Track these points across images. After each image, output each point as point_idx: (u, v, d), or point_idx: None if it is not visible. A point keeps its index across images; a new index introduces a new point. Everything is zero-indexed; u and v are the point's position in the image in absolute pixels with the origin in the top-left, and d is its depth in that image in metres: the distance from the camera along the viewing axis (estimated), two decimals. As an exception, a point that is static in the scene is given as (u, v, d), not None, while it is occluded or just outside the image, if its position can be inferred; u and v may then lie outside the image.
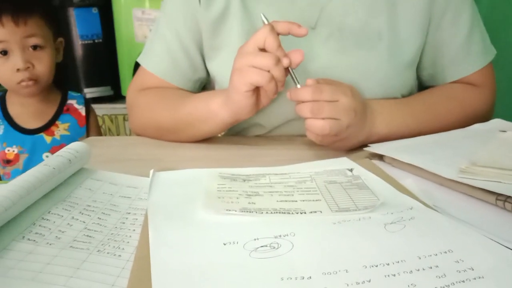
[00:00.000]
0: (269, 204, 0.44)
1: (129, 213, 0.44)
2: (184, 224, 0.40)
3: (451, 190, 0.48)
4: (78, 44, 1.68)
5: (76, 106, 1.14)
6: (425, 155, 0.54)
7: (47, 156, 1.09)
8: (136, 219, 0.42)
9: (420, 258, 0.33)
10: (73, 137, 1.11)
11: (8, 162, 1.07)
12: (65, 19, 1.63)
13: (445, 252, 0.34)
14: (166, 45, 0.73)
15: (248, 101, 0.59)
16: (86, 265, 0.34)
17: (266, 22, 0.58)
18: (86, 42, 1.68)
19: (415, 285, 0.30)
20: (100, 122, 1.70)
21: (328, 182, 0.50)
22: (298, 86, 0.57)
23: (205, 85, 0.80)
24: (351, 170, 0.53)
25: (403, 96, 0.70)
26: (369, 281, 0.30)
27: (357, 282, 0.30)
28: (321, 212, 0.42)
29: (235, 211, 0.41)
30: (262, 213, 0.41)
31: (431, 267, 0.32)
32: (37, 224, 0.39)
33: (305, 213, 0.42)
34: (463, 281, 0.30)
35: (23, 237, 0.37)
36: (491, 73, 0.74)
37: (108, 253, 0.36)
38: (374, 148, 0.59)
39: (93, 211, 0.43)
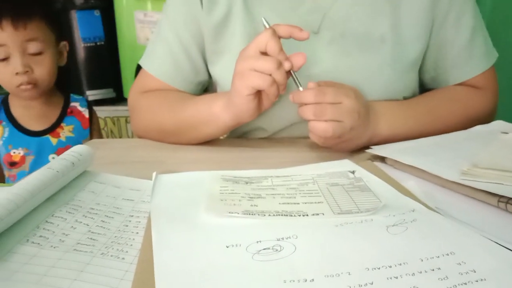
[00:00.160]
0: (272, 206, 0.44)
1: (132, 215, 0.44)
2: (187, 227, 0.40)
3: (453, 192, 0.48)
4: (80, 47, 1.69)
5: (80, 108, 1.15)
6: (427, 157, 0.54)
7: (53, 158, 1.09)
8: (139, 221, 0.43)
9: (422, 260, 0.33)
10: (78, 139, 1.11)
11: (14, 164, 1.07)
12: (67, 21, 1.64)
13: (447, 254, 0.34)
14: (168, 48, 0.74)
15: (250, 105, 0.59)
16: (90, 268, 0.34)
17: (267, 26, 0.58)
18: (88, 44, 1.69)
19: (417, 288, 0.30)
20: (102, 125, 1.71)
21: (330, 185, 0.50)
22: (301, 88, 0.58)
23: (207, 87, 0.80)
24: (353, 172, 0.53)
25: (405, 99, 0.70)
26: (372, 283, 0.31)
27: (359, 285, 0.30)
28: (323, 214, 0.42)
29: (238, 213, 0.41)
30: (264, 215, 0.41)
31: (433, 269, 0.32)
32: (41, 227, 0.39)
33: (307, 215, 0.42)
34: (465, 283, 0.30)
35: (28, 240, 0.37)
36: (494, 76, 0.74)
37: (111, 256, 0.36)
38: (376, 150, 0.59)
39: (96, 214, 0.43)
